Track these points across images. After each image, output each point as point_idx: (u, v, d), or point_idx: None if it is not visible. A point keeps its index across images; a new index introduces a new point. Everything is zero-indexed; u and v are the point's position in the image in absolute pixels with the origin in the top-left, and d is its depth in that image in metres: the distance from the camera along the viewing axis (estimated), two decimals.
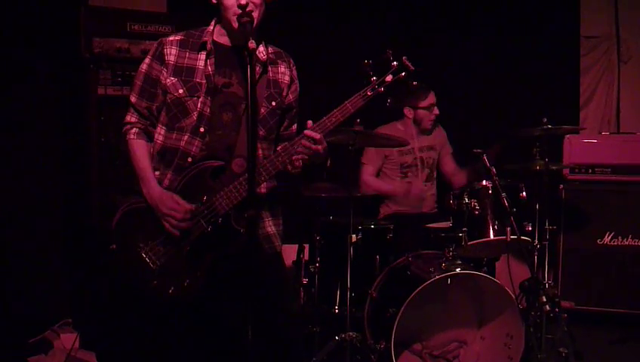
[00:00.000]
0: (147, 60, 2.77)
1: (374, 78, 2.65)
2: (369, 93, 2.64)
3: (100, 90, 4.02)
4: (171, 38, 2.76)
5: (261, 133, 2.75)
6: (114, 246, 2.73)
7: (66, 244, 4.43)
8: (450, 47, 5.59)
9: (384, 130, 4.62)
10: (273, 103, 2.78)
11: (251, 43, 2.44)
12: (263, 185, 2.76)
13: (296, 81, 2.89)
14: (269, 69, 2.79)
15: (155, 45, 2.77)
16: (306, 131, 2.60)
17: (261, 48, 2.77)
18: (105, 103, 4.03)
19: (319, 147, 2.61)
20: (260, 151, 2.74)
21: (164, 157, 2.75)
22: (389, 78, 2.64)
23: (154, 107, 2.76)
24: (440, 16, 5.61)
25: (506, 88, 5.62)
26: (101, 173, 4.06)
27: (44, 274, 4.36)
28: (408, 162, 4.75)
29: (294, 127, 2.92)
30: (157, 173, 2.74)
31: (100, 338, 3.94)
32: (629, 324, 4.79)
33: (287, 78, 2.84)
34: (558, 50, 5.74)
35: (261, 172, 2.62)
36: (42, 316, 4.28)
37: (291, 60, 2.88)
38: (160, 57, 2.73)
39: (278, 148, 2.74)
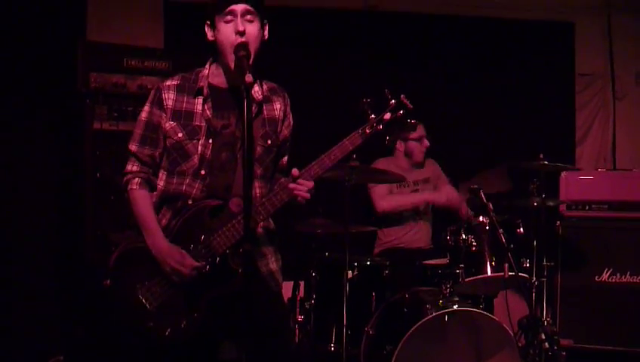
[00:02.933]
0: (147, 108, 2.76)
1: (373, 116, 2.65)
2: (367, 131, 2.64)
3: (96, 125, 4.03)
4: (168, 82, 2.75)
5: (258, 171, 2.73)
6: (108, 282, 2.69)
7: (59, 279, 4.39)
8: (447, 83, 5.62)
9: (379, 164, 4.62)
10: (269, 141, 2.77)
11: (248, 77, 2.40)
12: (260, 225, 2.73)
13: (290, 115, 2.87)
14: (264, 107, 2.78)
15: (153, 92, 2.76)
16: (299, 180, 2.58)
17: (256, 88, 2.76)
18: (101, 138, 4.02)
19: (308, 194, 2.61)
20: (258, 190, 2.73)
21: (165, 201, 2.73)
22: (387, 116, 2.65)
23: (157, 153, 2.75)
24: (436, 51, 5.64)
25: (503, 125, 5.66)
26: (95, 208, 4.04)
27: (36, 310, 4.31)
28: None
29: (285, 158, 2.91)
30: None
31: None
32: None
33: (281, 113, 2.83)
34: (553, 87, 5.79)
35: (259, 211, 2.61)
36: (34, 353, 4.22)
37: (286, 95, 2.87)
38: (159, 103, 2.72)
39: (275, 187, 2.73)
